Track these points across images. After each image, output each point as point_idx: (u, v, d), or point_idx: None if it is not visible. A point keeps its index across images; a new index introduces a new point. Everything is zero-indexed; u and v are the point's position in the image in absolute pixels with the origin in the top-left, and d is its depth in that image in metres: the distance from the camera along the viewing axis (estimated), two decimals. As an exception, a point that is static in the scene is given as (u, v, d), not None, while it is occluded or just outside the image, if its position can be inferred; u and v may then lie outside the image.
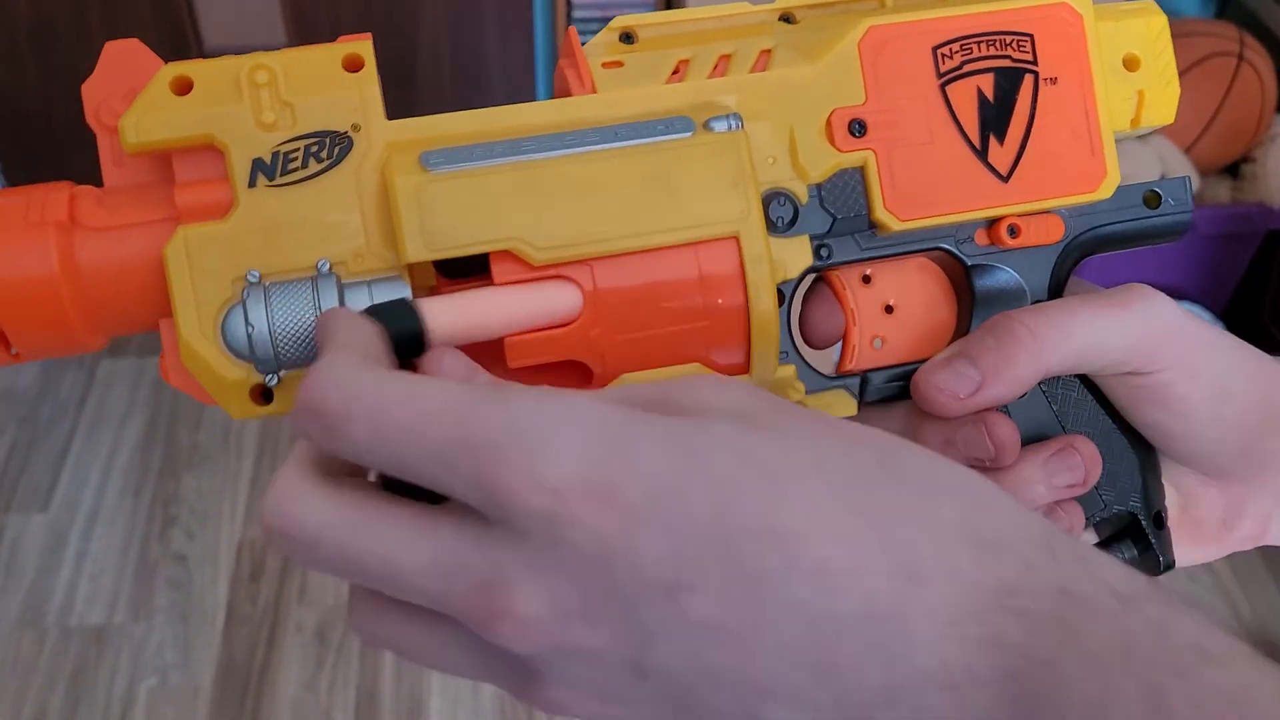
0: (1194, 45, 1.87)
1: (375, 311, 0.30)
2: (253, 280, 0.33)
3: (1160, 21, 0.40)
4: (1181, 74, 1.72)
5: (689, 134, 0.34)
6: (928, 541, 0.24)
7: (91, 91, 0.34)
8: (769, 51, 0.37)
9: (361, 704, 1.65)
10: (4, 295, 0.32)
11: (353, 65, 0.34)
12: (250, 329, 0.32)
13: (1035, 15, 0.38)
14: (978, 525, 0.25)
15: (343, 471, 0.28)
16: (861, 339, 0.39)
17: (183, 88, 0.33)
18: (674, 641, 0.24)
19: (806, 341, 0.40)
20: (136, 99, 0.33)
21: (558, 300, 0.33)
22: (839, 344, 0.40)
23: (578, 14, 1.88)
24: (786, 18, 0.39)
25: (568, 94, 0.36)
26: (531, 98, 2.10)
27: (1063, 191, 0.38)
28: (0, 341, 0.32)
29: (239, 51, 0.33)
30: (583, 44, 0.37)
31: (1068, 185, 0.38)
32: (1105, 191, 0.38)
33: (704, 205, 0.34)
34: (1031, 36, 0.37)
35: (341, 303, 0.33)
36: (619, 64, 0.37)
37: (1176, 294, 1.98)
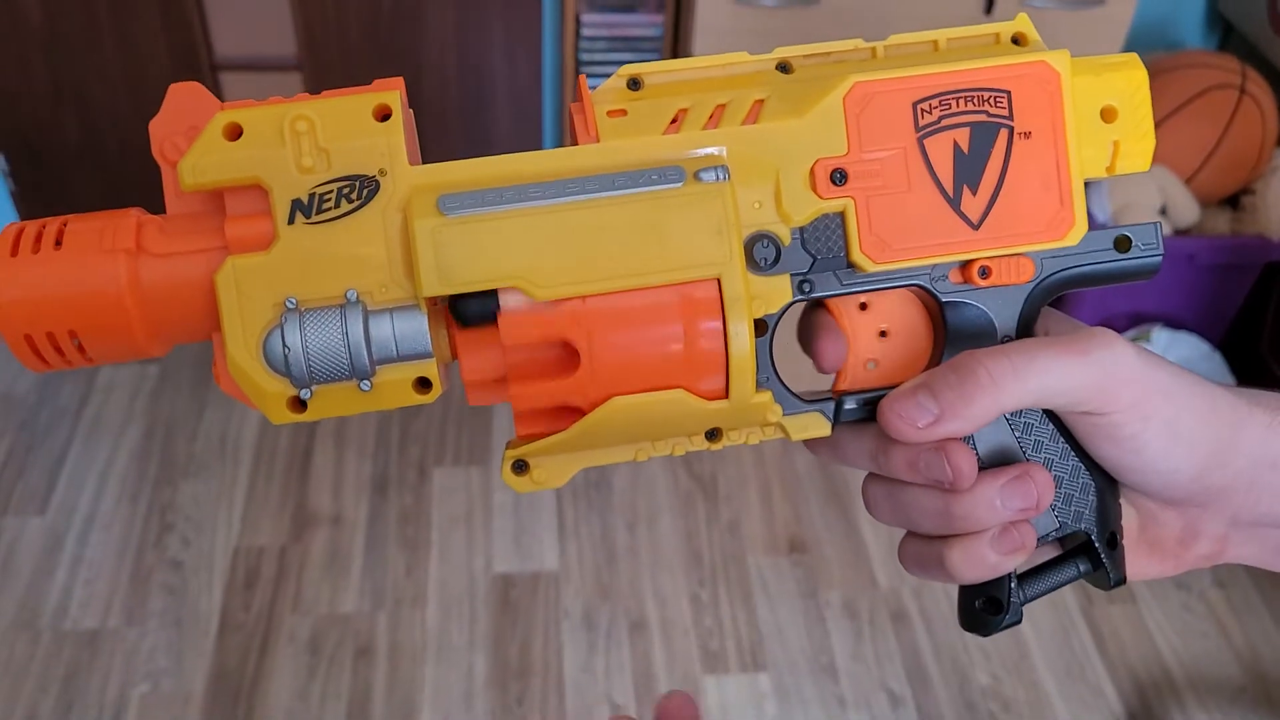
0: (1196, 77, 1.88)
1: (462, 302, 0.38)
2: (290, 306, 0.37)
3: (1140, 76, 0.41)
4: (1183, 105, 1.74)
5: (679, 184, 0.37)
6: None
7: (157, 129, 0.37)
8: (761, 102, 0.39)
9: (352, 715, 1.65)
10: (81, 309, 0.37)
11: (382, 114, 0.37)
12: (287, 350, 0.37)
13: (1014, 73, 0.40)
14: None
15: None
16: (856, 361, 0.42)
17: (233, 133, 0.37)
18: None
19: (817, 366, 0.43)
20: (194, 143, 0.36)
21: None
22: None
23: (586, 33, 1.90)
24: (783, 66, 0.41)
25: (575, 136, 0.40)
26: (537, 118, 2.12)
27: (1031, 239, 0.40)
28: (75, 343, 0.37)
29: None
30: (593, 89, 0.40)
31: (1036, 233, 0.40)
32: (1073, 239, 0.40)
33: (690, 249, 0.37)
34: (1009, 93, 0.40)
35: (366, 328, 0.37)
36: (623, 112, 0.39)
37: (1174, 323, 1.99)
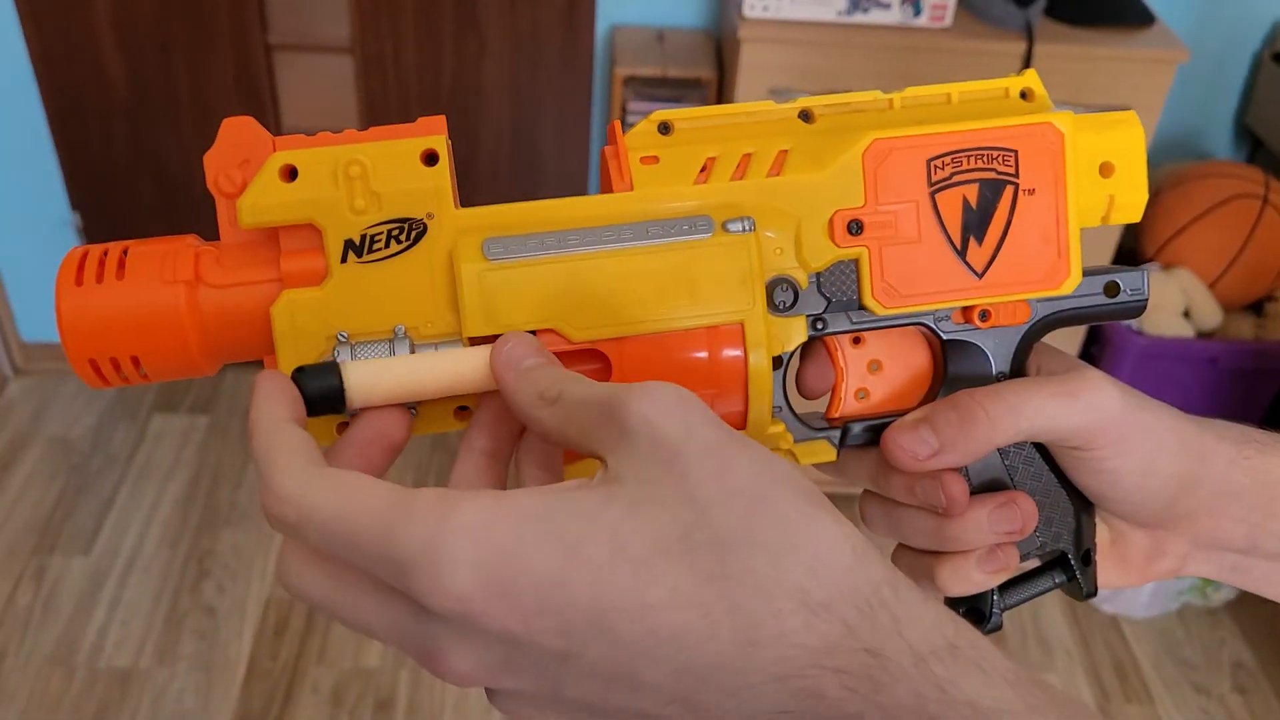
0: (1220, 186, 1.94)
1: (301, 371, 0.37)
2: (341, 340, 0.39)
3: (1136, 133, 0.44)
4: (1207, 212, 1.81)
5: (708, 235, 0.40)
6: (767, 609, 0.30)
7: (211, 161, 0.39)
8: (785, 153, 0.42)
9: (369, 765, 1.68)
10: (143, 336, 0.39)
11: (429, 158, 0.39)
12: None
13: (1021, 133, 0.42)
14: (811, 589, 0.30)
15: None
16: (847, 391, 0.45)
17: (289, 174, 0.38)
18: (578, 686, 0.31)
19: (800, 392, 0.46)
20: (252, 183, 0.38)
21: (471, 370, 0.38)
22: (828, 394, 0.47)
23: (632, 120, 1.99)
24: (805, 114, 0.43)
25: (609, 179, 0.42)
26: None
27: (1030, 288, 0.43)
28: (135, 366, 0.39)
29: (311, 132, 0.40)
30: (625, 131, 0.42)
31: (1035, 282, 0.43)
32: (1068, 288, 0.43)
33: (717, 296, 0.40)
34: (1016, 152, 0.42)
35: None
36: (655, 159, 0.41)
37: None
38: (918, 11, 1.75)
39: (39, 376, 2.36)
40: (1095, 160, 0.44)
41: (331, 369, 0.37)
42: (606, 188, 0.42)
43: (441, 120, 0.40)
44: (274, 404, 0.35)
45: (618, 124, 0.42)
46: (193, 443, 2.22)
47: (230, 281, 0.39)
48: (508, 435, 0.39)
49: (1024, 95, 0.44)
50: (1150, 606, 2.00)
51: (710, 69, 1.96)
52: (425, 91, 2.05)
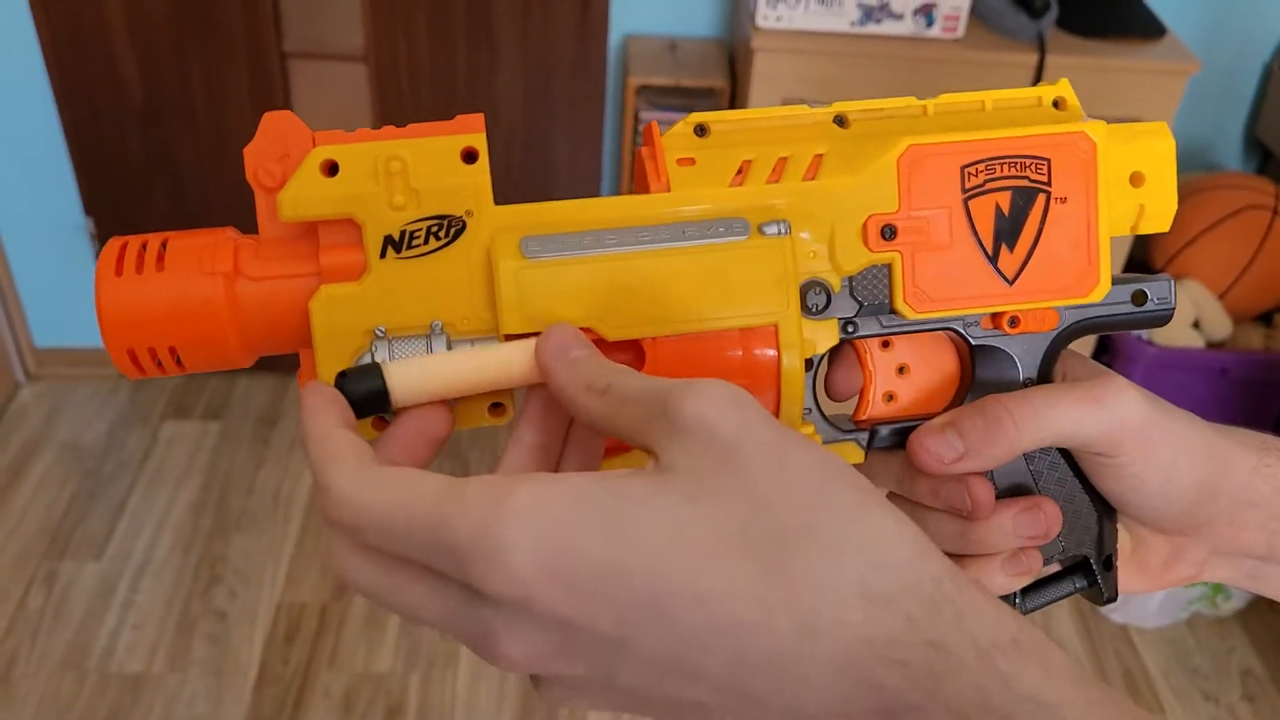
0: (1231, 197, 1.94)
1: (344, 376, 0.37)
2: (379, 334, 0.39)
3: (1168, 145, 0.44)
4: (1217, 223, 1.82)
5: (744, 237, 0.40)
6: (827, 601, 0.30)
7: (251, 155, 0.39)
8: (821, 157, 0.42)
9: (380, 771, 1.68)
10: (182, 328, 0.39)
11: (469, 155, 0.39)
12: None
13: (1055, 141, 0.42)
14: (873, 582, 0.30)
15: None
16: (875, 394, 0.46)
17: (329, 169, 0.38)
18: (631, 674, 0.31)
19: (828, 394, 0.46)
20: (293, 177, 0.38)
21: (514, 365, 0.38)
22: (855, 396, 0.47)
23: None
24: (840, 119, 0.43)
25: (645, 180, 0.42)
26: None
27: (1059, 295, 0.43)
28: (173, 356, 0.39)
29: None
30: (662, 132, 0.42)
31: (1064, 290, 0.43)
32: (1097, 296, 0.43)
33: (752, 298, 0.40)
34: (1049, 160, 0.42)
35: None
36: (691, 161, 0.41)
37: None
38: (930, 22, 1.76)
39: (51, 381, 2.37)
40: (1126, 170, 0.44)
41: (374, 371, 0.37)
42: (642, 188, 0.42)
43: (479, 118, 0.40)
44: (322, 413, 0.36)
45: (654, 125, 0.42)
46: (205, 448, 2.23)
47: (269, 274, 0.39)
48: (556, 428, 0.39)
49: (1056, 104, 0.44)
50: (1160, 615, 2.00)
51: (723, 78, 1.97)
52: (439, 99, 2.06)
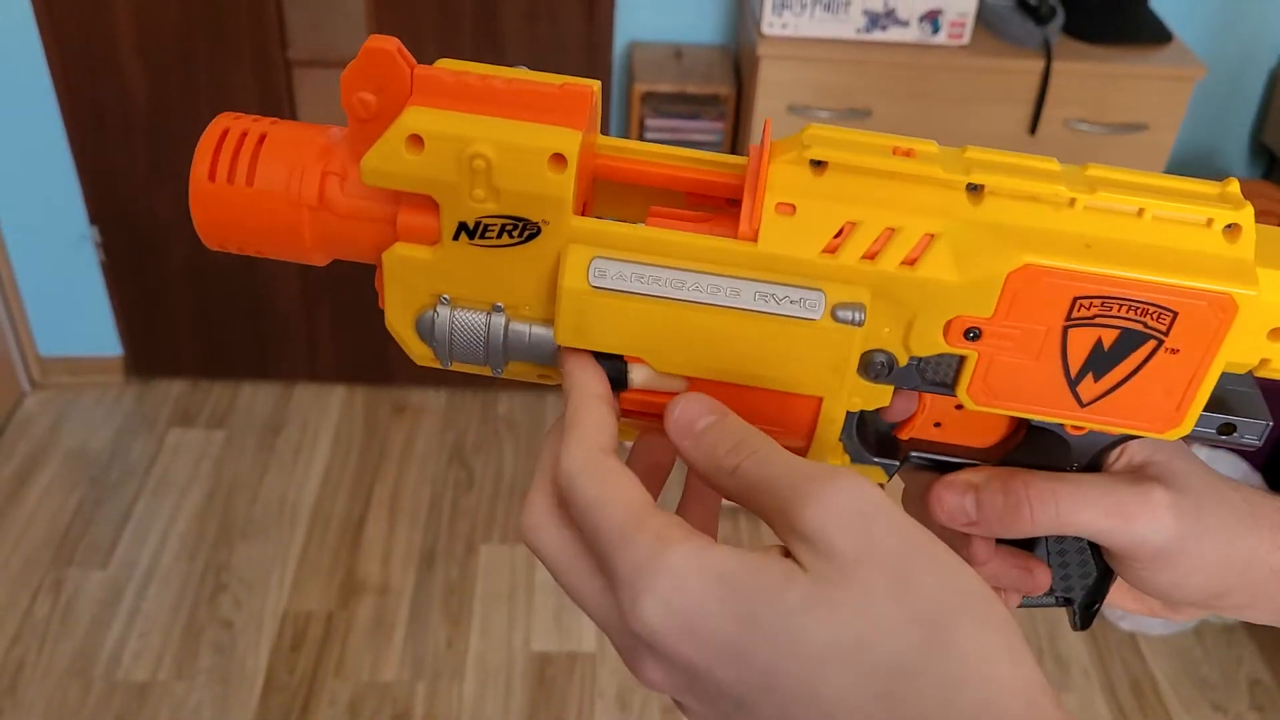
0: (1237, 203, 1.94)
1: (601, 358, 0.40)
2: (444, 302, 0.41)
3: None
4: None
5: (817, 317, 0.38)
6: None
7: (348, 80, 0.38)
8: (932, 238, 0.38)
9: (386, 780, 1.68)
10: (263, 239, 0.41)
11: (557, 163, 0.38)
12: (435, 332, 0.41)
13: (1190, 296, 0.37)
14: None
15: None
16: (925, 420, 0.44)
17: (416, 145, 0.38)
18: None
19: (883, 416, 0.45)
20: (376, 144, 0.38)
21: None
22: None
23: (649, 136, 2.00)
24: (974, 188, 0.39)
25: (735, 184, 0.42)
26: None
27: (1133, 426, 0.41)
28: (253, 250, 0.42)
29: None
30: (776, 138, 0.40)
31: (1141, 423, 0.40)
32: (1172, 436, 0.41)
33: (806, 373, 0.39)
34: (1176, 314, 0.38)
35: (506, 335, 0.41)
36: (792, 209, 0.39)
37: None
38: (936, 29, 1.75)
39: (56, 390, 2.37)
40: (1269, 324, 0.39)
41: (621, 362, 0.40)
42: (725, 192, 0.42)
43: (586, 94, 0.39)
44: (590, 378, 0.39)
45: (767, 132, 0.41)
46: (209, 456, 2.23)
47: (352, 214, 0.41)
48: None
49: (1229, 227, 0.38)
50: (1167, 624, 1.99)
51: (728, 85, 1.97)
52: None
